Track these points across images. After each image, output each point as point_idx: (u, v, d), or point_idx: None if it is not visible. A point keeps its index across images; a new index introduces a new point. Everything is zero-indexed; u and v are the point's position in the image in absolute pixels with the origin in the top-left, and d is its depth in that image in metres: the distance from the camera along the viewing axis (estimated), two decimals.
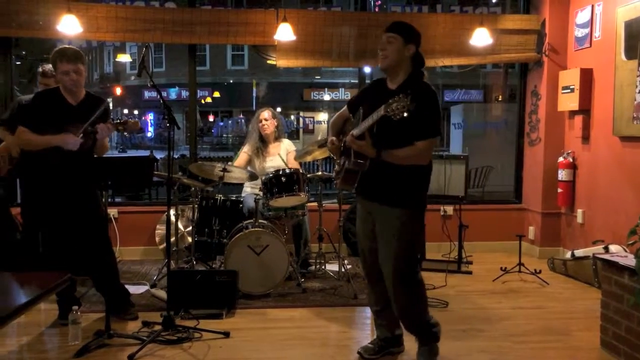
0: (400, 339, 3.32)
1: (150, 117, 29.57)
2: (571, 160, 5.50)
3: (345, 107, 3.26)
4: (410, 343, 3.26)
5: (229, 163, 4.94)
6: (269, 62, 5.99)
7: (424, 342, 3.16)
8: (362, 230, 3.18)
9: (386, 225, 2.98)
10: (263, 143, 5.18)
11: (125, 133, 3.90)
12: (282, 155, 5.09)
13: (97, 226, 3.81)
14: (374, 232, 3.07)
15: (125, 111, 28.45)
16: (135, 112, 28.66)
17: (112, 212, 5.58)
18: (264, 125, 5.12)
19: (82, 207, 3.68)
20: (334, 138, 3.19)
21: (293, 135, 25.28)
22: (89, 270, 3.89)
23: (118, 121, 3.73)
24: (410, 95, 2.60)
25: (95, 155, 3.77)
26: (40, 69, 4.31)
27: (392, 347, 3.32)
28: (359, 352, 3.29)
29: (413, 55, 2.99)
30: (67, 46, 3.69)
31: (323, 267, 4.94)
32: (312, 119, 27.65)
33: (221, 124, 29.21)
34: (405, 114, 2.59)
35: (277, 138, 5.23)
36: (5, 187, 4.52)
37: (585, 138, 5.32)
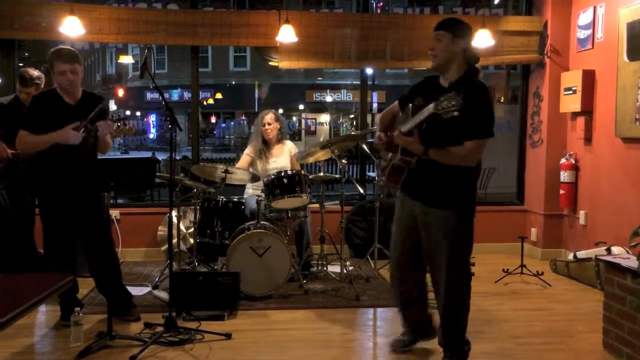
0: (430, 325, 3.32)
1: (152, 118, 29.61)
2: (573, 161, 5.49)
3: (395, 102, 3.21)
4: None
5: (234, 166, 4.94)
6: (271, 63, 6.01)
7: (454, 356, 3.07)
8: (402, 228, 3.11)
9: (435, 227, 2.91)
10: (266, 145, 5.19)
11: (120, 138, 3.93)
12: (285, 157, 5.11)
13: (100, 227, 3.82)
14: (416, 231, 3.02)
15: (128, 112, 28.48)
16: (138, 113, 28.71)
17: (114, 213, 5.58)
18: (266, 129, 5.12)
19: (86, 208, 3.69)
20: (381, 134, 3.08)
21: (295, 136, 25.28)
22: (92, 271, 3.89)
23: (119, 117, 3.74)
24: (463, 94, 2.55)
25: (98, 153, 3.78)
26: (19, 75, 4.30)
27: (422, 338, 3.35)
28: (391, 345, 3.36)
29: (464, 51, 2.91)
30: (63, 46, 3.69)
31: (325, 268, 4.94)
32: (314, 121, 27.65)
33: (223, 125, 29.23)
34: (455, 113, 2.55)
35: (280, 140, 5.23)
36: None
37: (588, 139, 5.32)
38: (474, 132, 2.79)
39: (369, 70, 6.50)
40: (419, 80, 3.16)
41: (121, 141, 25.19)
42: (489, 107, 2.86)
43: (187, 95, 23.03)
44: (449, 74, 2.94)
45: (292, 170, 4.71)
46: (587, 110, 5.26)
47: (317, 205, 5.01)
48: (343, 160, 4.78)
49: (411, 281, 3.17)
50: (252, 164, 5.20)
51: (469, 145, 2.79)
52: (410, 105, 2.92)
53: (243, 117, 28.09)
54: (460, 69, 2.92)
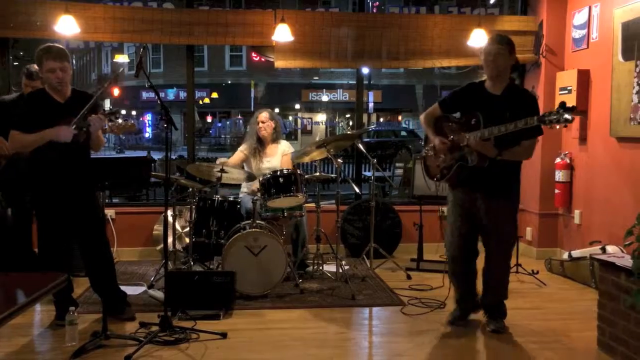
0: (477, 301, 3.81)
1: (148, 117, 29.57)
2: (568, 161, 5.51)
3: (436, 106, 3.73)
4: None
5: (222, 159, 4.92)
6: (266, 60, 5.99)
7: (498, 316, 3.68)
8: (460, 216, 3.62)
9: (494, 211, 3.49)
10: (261, 144, 5.18)
11: (122, 136, 3.92)
12: (279, 157, 5.11)
13: (95, 227, 3.81)
14: (473, 217, 3.56)
15: (123, 112, 28.42)
16: (133, 112, 28.67)
17: (110, 212, 5.58)
18: (261, 127, 5.12)
19: (80, 207, 3.68)
20: (443, 139, 3.57)
21: (291, 136, 25.31)
22: (87, 271, 3.88)
23: (110, 111, 3.71)
24: (568, 109, 3.03)
25: (92, 150, 3.77)
26: (25, 71, 4.25)
27: (472, 311, 3.83)
28: (449, 322, 3.76)
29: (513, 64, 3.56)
30: (51, 44, 3.66)
31: (321, 267, 4.94)
32: (310, 120, 27.68)
33: (219, 124, 29.22)
34: (557, 126, 3.11)
35: (275, 139, 5.22)
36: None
37: (583, 139, 5.33)
38: (531, 133, 3.33)
39: (365, 70, 6.50)
40: (461, 86, 3.68)
41: (116, 140, 25.18)
42: (538, 110, 3.42)
43: (182, 94, 23.01)
44: (500, 83, 3.50)
45: (287, 169, 4.70)
46: (582, 110, 5.27)
47: (313, 204, 5.01)
48: (339, 160, 4.78)
49: (467, 262, 3.72)
50: (245, 162, 5.20)
51: (528, 144, 3.41)
52: (478, 115, 3.41)
53: (239, 117, 28.09)
54: (507, 79, 3.53)
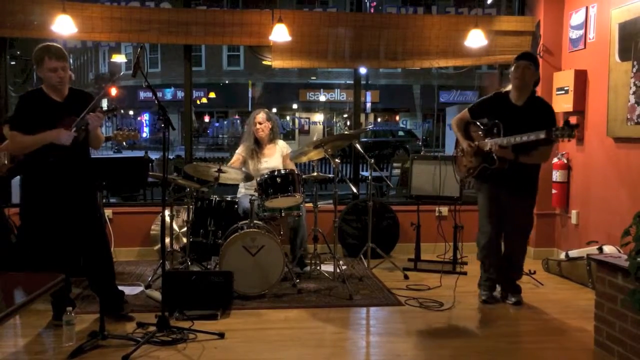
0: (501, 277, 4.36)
1: (145, 117, 29.52)
2: (565, 161, 5.52)
3: (466, 112, 4.26)
4: None
5: (227, 165, 4.93)
6: (264, 62, 5.99)
7: (518, 291, 4.32)
8: (489, 209, 4.19)
9: (518, 206, 4.13)
10: (258, 145, 5.18)
11: (124, 142, 3.92)
12: (277, 157, 5.11)
13: (94, 226, 3.80)
14: (500, 209, 4.14)
15: (121, 111, 28.35)
16: (131, 112, 28.61)
17: (107, 212, 5.56)
18: (258, 129, 5.12)
19: (79, 207, 3.67)
20: (471, 143, 4.14)
21: (289, 136, 25.30)
22: (86, 270, 3.88)
23: (107, 108, 3.71)
24: (574, 127, 3.50)
25: (91, 147, 3.76)
26: None
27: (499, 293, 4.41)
28: (484, 301, 4.27)
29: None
30: (50, 43, 3.66)
31: (318, 267, 4.93)
32: (307, 120, 27.66)
33: (217, 124, 29.17)
34: (567, 140, 3.65)
35: (272, 140, 5.23)
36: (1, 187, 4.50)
37: (580, 139, 5.34)
38: (547, 140, 3.68)
39: (363, 70, 6.49)
40: (488, 96, 4.25)
41: (113, 142, 25.12)
42: (555, 119, 3.98)
43: (180, 94, 22.95)
44: (523, 95, 4.01)
45: (285, 169, 4.70)
46: (579, 110, 5.29)
47: (310, 204, 5.01)
48: (336, 160, 4.78)
49: (499, 250, 4.29)
50: (244, 163, 5.20)
51: (544, 149, 3.92)
52: (500, 124, 3.94)
53: (236, 117, 28.05)
54: (529, 92, 4.03)
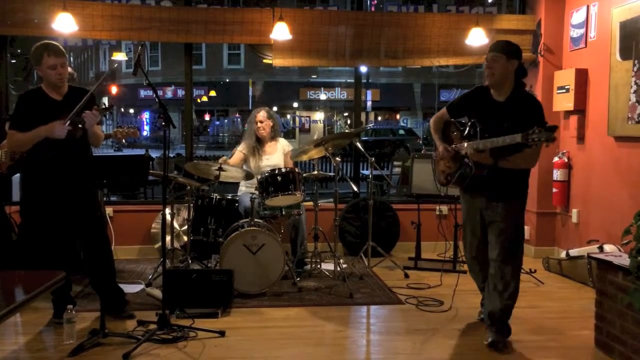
0: None
1: (145, 115, 29.50)
2: (566, 160, 5.52)
3: (444, 111, 3.67)
4: None
5: (224, 157, 4.93)
6: (265, 61, 5.99)
7: (502, 333, 3.45)
8: (472, 223, 3.60)
9: (496, 216, 3.39)
10: (259, 143, 5.18)
11: (124, 141, 3.92)
12: (279, 154, 5.11)
13: (95, 224, 3.80)
14: (483, 222, 3.50)
15: (122, 110, 28.36)
16: (131, 110, 28.60)
17: (108, 211, 5.56)
18: (259, 127, 5.12)
19: (80, 205, 3.67)
20: (447, 147, 3.57)
21: (289, 134, 25.28)
22: (87, 268, 3.88)
23: (104, 107, 3.72)
24: (551, 129, 2.94)
25: (92, 145, 3.76)
26: None
27: None
28: (481, 319, 3.72)
29: (516, 69, 3.37)
30: (49, 41, 3.66)
31: (319, 266, 4.94)
32: (308, 118, 27.64)
33: (217, 123, 29.15)
34: (545, 145, 2.99)
35: (273, 138, 5.23)
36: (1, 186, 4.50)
37: (580, 138, 5.34)
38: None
39: (363, 69, 6.48)
40: (469, 90, 3.63)
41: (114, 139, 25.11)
42: (543, 116, 3.28)
43: (180, 92, 22.95)
44: (503, 90, 3.39)
45: (286, 168, 4.70)
46: (580, 109, 5.28)
47: (311, 203, 5.01)
48: (337, 158, 4.78)
49: (486, 261, 3.55)
50: (245, 161, 5.20)
51: (530, 152, 3.23)
52: (477, 124, 3.36)
53: (237, 115, 28.03)
54: (511, 85, 3.38)
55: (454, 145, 3.55)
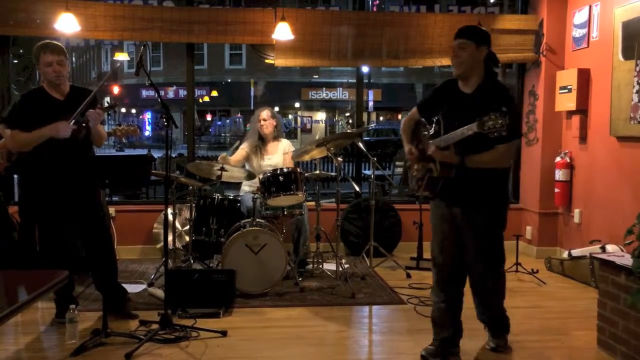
0: (458, 340, 3.26)
1: (147, 115, 29.54)
2: (568, 160, 5.51)
3: (415, 109, 3.28)
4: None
5: (224, 154, 4.92)
6: (267, 61, 5.99)
7: (498, 332, 3.36)
8: (443, 235, 3.18)
9: (473, 225, 3.03)
10: (262, 142, 5.19)
11: (124, 139, 3.93)
12: (280, 154, 5.11)
13: (98, 224, 3.80)
14: (455, 233, 3.11)
15: (123, 110, 28.40)
16: (133, 110, 28.64)
17: (110, 210, 5.57)
18: (262, 125, 5.13)
19: (83, 204, 3.68)
20: (412, 148, 3.19)
21: (291, 134, 25.29)
22: (89, 267, 3.88)
23: (108, 105, 3.72)
24: (507, 113, 2.61)
25: (94, 145, 3.77)
26: None
27: (451, 348, 3.23)
28: (422, 356, 3.19)
29: (486, 57, 3.01)
30: (49, 41, 3.67)
31: (321, 266, 4.94)
32: (310, 118, 27.66)
33: (219, 123, 29.20)
34: (503, 133, 2.62)
35: (276, 137, 5.23)
36: (1, 185, 4.51)
37: (583, 138, 5.33)
38: (505, 136, 2.76)
39: (365, 69, 6.48)
40: (439, 84, 3.23)
41: (116, 138, 25.15)
42: (515, 109, 2.97)
43: (182, 92, 22.99)
44: (471, 81, 3.02)
45: (287, 167, 4.70)
46: (582, 109, 5.28)
47: (313, 203, 5.01)
48: (339, 158, 4.78)
49: (455, 285, 3.20)
50: (247, 159, 5.20)
51: (502, 149, 2.88)
52: (440, 117, 3.01)
53: (238, 115, 28.06)
54: (480, 75, 3.02)
55: (421, 146, 3.17)
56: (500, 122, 2.59)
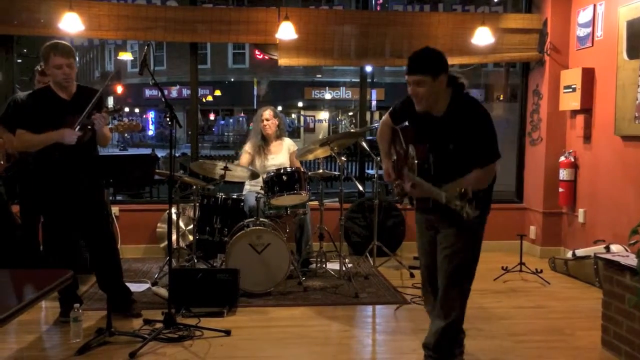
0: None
1: (151, 115, 29.59)
2: (573, 159, 5.49)
3: (387, 116, 3.07)
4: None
5: (236, 162, 4.94)
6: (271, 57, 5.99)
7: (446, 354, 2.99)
8: (424, 244, 3.10)
9: (448, 233, 2.87)
10: (265, 142, 5.19)
11: (126, 134, 3.93)
12: (284, 154, 5.11)
13: (101, 223, 3.81)
14: (436, 242, 2.97)
15: (127, 109, 28.42)
16: (137, 110, 28.68)
17: (114, 210, 5.58)
18: (265, 125, 5.13)
19: (87, 204, 3.69)
20: (390, 169, 3.03)
21: (294, 133, 25.31)
22: (93, 267, 3.89)
23: (113, 109, 3.73)
24: (474, 201, 2.40)
25: (99, 145, 3.77)
26: (39, 68, 4.26)
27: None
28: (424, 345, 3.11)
29: (448, 82, 2.77)
30: (58, 41, 3.67)
31: (324, 265, 4.94)
32: (313, 118, 27.67)
33: (222, 122, 29.22)
34: (465, 216, 2.42)
35: (279, 137, 5.23)
36: (5, 184, 4.52)
37: (587, 137, 5.32)
38: (482, 159, 2.70)
39: (368, 68, 6.47)
40: (407, 96, 2.89)
41: (119, 138, 25.21)
42: (491, 128, 2.75)
43: (185, 92, 23.00)
44: (438, 108, 2.79)
45: (291, 167, 4.70)
46: (587, 108, 5.26)
47: (316, 202, 5.01)
48: (342, 158, 4.78)
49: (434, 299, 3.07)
50: (252, 161, 5.20)
51: (480, 174, 2.71)
52: (411, 151, 2.84)
53: (242, 114, 28.08)
54: (447, 98, 2.78)
55: (394, 173, 3.03)
56: (465, 207, 2.40)
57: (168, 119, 3.51)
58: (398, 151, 3.02)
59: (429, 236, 3.03)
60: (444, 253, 2.89)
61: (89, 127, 3.54)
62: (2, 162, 3.97)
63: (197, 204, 4.69)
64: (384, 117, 3.12)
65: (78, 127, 3.51)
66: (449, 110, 2.76)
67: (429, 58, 2.74)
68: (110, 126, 3.72)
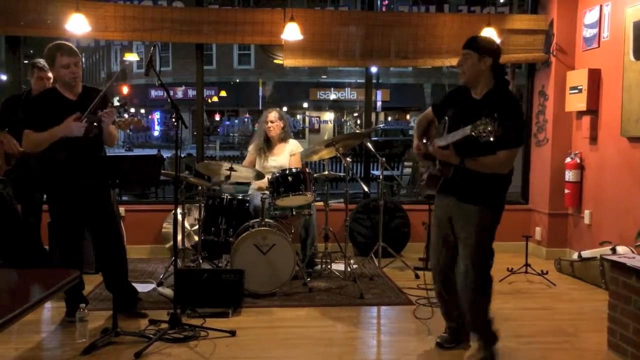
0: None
1: (157, 115, 29.67)
2: (578, 161, 5.47)
3: (429, 109, 3.38)
4: None
5: (242, 164, 4.95)
6: (275, 61, 6.00)
7: (484, 341, 3.18)
8: (440, 229, 3.27)
9: (465, 221, 3.09)
10: (267, 143, 5.19)
11: (129, 131, 3.94)
12: (285, 156, 5.12)
13: (109, 223, 3.82)
14: (452, 232, 3.18)
15: (132, 110, 28.51)
16: (142, 110, 28.74)
17: (120, 210, 5.59)
18: (269, 127, 5.13)
19: (94, 203, 3.70)
20: (420, 143, 3.30)
21: (299, 134, 25.32)
22: (100, 267, 3.90)
23: (119, 104, 3.74)
24: (498, 120, 2.69)
25: (105, 145, 3.79)
26: (39, 64, 4.22)
27: (462, 336, 3.38)
28: (437, 343, 3.39)
29: (492, 67, 3.07)
30: (62, 42, 3.69)
31: (329, 266, 4.94)
32: (318, 119, 27.67)
33: (227, 123, 29.24)
34: (491, 139, 2.69)
35: (284, 139, 5.22)
36: (13, 185, 4.53)
37: (593, 139, 5.30)
38: (506, 143, 2.90)
39: (374, 69, 6.48)
40: (453, 88, 3.36)
41: (125, 138, 25.29)
42: (519, 118, 3.09)
43: (191, 92, 23.06)
44: (478, 88, 3.11)
45: (296, 168, 4.70)
46: (593, 110, 5.24)
47: (321, 203, 5.01)
48: (347, 159, 4.77)
49: (453, 281, 3.24)
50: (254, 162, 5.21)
51: (502, 155, 2.96)
52: (446, 117, 3.12)
53: (247, 115, 28.10)
54: (489, 83, 3.09)
55: (427, 142, 3.29)
56: (489, 128, 2.67)
57: (174, 120, 3.52)
58: (432, 133, 3.31)
59: (444, 228, 3.23)
60: (463, 231, 3.11)
61: (96, 124, 3.55)
62: (1, 164, 3.97)
63: (203, 205, 4.70)
64: (426, 110, 3.44)
65: (85, 119, 3.51)
66: (487, 95, 3.07)
67: (480, 39, 3.21)
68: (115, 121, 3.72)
